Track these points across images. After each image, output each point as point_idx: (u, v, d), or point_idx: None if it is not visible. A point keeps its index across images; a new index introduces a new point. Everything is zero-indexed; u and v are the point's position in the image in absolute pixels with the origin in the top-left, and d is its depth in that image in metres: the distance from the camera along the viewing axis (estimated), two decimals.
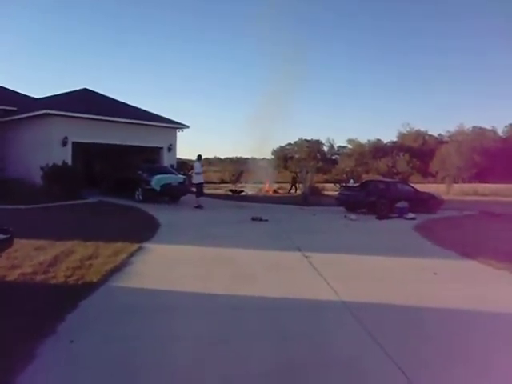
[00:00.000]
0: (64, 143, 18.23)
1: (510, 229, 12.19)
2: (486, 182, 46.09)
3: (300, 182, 24.99)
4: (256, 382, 3.46)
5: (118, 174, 19.16)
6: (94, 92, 23.56)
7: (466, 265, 7.74)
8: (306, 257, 7.94)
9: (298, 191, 25.36)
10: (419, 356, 3.93)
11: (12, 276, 5.96)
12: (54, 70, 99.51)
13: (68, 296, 5.22)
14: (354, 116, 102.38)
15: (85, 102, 20.36)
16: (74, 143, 18.63)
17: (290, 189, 28.02)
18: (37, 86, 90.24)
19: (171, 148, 22.92)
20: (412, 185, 19.40)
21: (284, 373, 3.60)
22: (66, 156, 18.11)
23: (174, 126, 23.24)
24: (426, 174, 61.45)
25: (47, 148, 18.06)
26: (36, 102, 22.98)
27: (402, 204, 15.36)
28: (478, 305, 5.39)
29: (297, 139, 74.52)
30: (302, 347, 4.11)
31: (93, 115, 19.03)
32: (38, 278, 5.94)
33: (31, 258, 7.00)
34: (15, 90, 25.11)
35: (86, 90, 23.25)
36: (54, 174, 16.91)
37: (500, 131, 68.74)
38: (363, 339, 4.27)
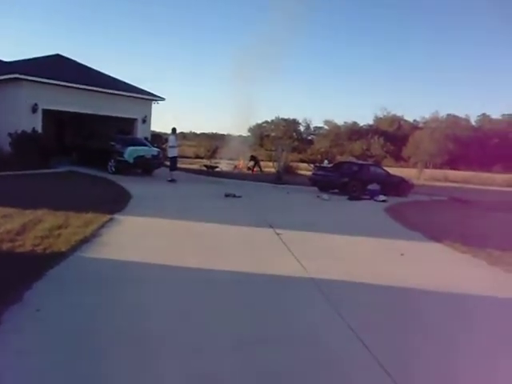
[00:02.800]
0: (34, 110, 17.58)
1: (476, 215, 12.59)
2: (457, 169, 47.25)
3: (274, 161, 24.91)
4: (225, 354, 3.51)
5: (90, 144, 18.70)
6: (67, 58, 22.61)
7: (432, 247, 7.99)
8: (278, 234, 8.03)
9: (270, 169, 25.17)
10: (378, 327, 4.09)
11: None
12: (26, 34, 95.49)
13: (35, 265, 5.14)
14: (332, 98, 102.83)
15: (57, 69, 19.63)
16: (44, 110, 17.99)
17: (251, 169, 26.34)
18: (6, 48, 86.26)
19: (146, 120, 22.50)
20: (384, 168, 19.74)
21: (251, 345, 3.66)
22: (35, 123, 17.50)
23: (149, 98, 22.75)
24: (398, 159, 62.45)
25: (16, 114, 17.39)
26: (5, 66, 22.01)
27: (373, 186, 15.63)
28: (438, 284, 5.60)
29: (274, 118, 74.37)
30: (270, 320, 4.20)
31: (65, 82, 18.36)
32: (5, 246, 5.81)
33: None
34: None
35: (59, 56, 22.33)
36: (22, 141, 16.39)
37: (473, 120, 70.28)
38: (328, 313, 4.39)
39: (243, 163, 27.50)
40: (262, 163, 28.50)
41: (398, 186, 17.30)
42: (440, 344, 3.89)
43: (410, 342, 3.92)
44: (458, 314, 4.74)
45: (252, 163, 26.69)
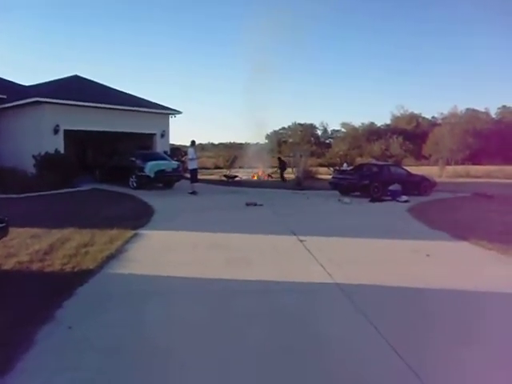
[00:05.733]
0: (56, 131, 18.08)
1: (501, 210, 12.32)
2: (478, 164, 46.36)
3: (293, 167, 24.83)
4: (254, 364, 3.53)
5: (111, 161, 19.10)
6: (85, 79, 23.29)
7: (457, 246, 7.86)
8: (301, 241, 8.02)
9: (289, 175, 25.02)
10: (410, 333, 4.03)
11: (8, 265, 5.99)
12: (44, 57, 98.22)
13: (65, 283, 5.26)
14: (348, 99, 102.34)
15: (76, 89, 20.15)
16: (65, 131, 18.48)
17: (281, 175, 25.37)
18: (27, 73, 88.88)
19: (164, 134, 22.83)
20: (405, 167, 19.51)
21: (280, 354, 3.67)
22: (58, 144, 18.00)
23: (166, 112, 23.11)
24: (419, 157, 61.63)
25: (39, 136, 17.92)
26: (26, 90, 22.68)
27: (395, 187, 15.47)
28: (465, 283, 5.52)
29: (290, 123, 74.46)
30: (297, 328, 4.19)
31: (84, 102, 18.84)
32: (35, 266, 5.97)
33: (27, 246, 7.03)
34: (4, 77, 24.72)
35: (76, 77, 23.00)
36: (46, 162, 16.85)
37: (493, 113, 68.93)
38: (356, 319, 4.37)
39: (262, 171, 27.57)
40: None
41: (419, 185, 17.08)
42: (472, 345, 3.82)
43: (439, 344, 3.86)
44: (486, 312, 4.65)
45: (278, 170, 26.18)
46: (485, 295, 5.18)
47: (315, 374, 3.34)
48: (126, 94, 23.21)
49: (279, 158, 27.20)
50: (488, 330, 4.17)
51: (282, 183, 22.35)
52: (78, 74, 23.39)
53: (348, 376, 3.33)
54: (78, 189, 16.61)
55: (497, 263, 6.70)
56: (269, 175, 26.70)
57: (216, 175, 27.28)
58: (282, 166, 25.80)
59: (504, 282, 5.70)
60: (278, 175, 25.74)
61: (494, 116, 68.72)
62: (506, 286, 5.49)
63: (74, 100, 18.54)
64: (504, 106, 68.59)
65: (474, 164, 47.32)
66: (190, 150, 16.92)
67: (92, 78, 23.64)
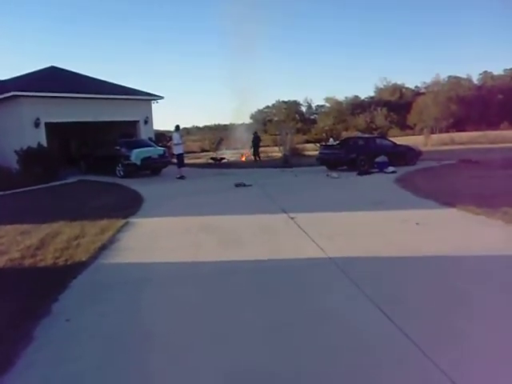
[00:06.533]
0: (36, 125, 17.74)
1: (486, 175, 12.49)
2: (463, 131, 46.74)
3: (280, 145, 24.72)
4: (251, 341, 3.58)
5: (96, 151, 18.86)
6: (62, 69, 22.70)
7: (446, 213, 7.97)
8: (292, 218, 8.07)
9: (277, 154, 24.71)
10: (401, 300, 4.12)
11: (0, 262, 5.95)
12: (17, 51, 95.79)
13: (59, 277, 5.25)
14: (330, 74, 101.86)
15: (54, 81, 19.75)
16: (47, 124, 18.14)
17: (254, 153, 24.30)
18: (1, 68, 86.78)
19: (147, 120, 22.55)
20: (390, 139, 19.62)
21: (276, 330, 3.73)
22: (40, 138, 17.66)
23: (148, 98, 22.78)
24: (404, 127, 61.95)
25: (20, 131, 17.55)
26: (2, 84, 22.16)
27: (381, 159, 15.57)
28: (456, 249, 5.64)
29: (275, 102, 74.07)
30: (293, 303, 4.24)
31: (63, 93, 18.48)
32: (27, 262, 5.94)
33: (17, 243, 6.97)
34: None
35: (53, 68, 22.44)
36: (29, 157, 16.54)
37: (475, 79, 69.20)
38: (351, 291, 4.44)
39: (249, 151, 27.51)
40: (268, 149, 28.18)
41: (405, 156, 17.21)
42: (463, 306, 3.92)
43: (433, 309, 3.95)
44: (478, 274, 4.76)
45: (251, 147, 24.90)
46: (476, 259, 5.28)
47: (316, 344, 3.41)
48: (105, 82, 22.73)
49: (254, 133, 25.87)
50: (481, 292, 4.27)
51: (270, 162, 22.17)
52: (55, 65, 22.88)
53: (345, 343, 3.40)
54: (64, 182, 16.41)
55: (485, 227, 6.82)
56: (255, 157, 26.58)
57: (203, 158, 27.19)
58: (256, 142, 24.78)
59: (493, 245, 5.81)
60: (251, 154, 24.68)
61: (476, 82, 69.02)
62: (496, 248, 5.61)
63: (52, 92, 18.15)
64: (485, 72, 68.89)
65: (458, 131, 47.69)
66: (175, 135, 16.78)
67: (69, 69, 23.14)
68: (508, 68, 67.16)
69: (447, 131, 50.30)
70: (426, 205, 8.72)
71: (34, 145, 17.09)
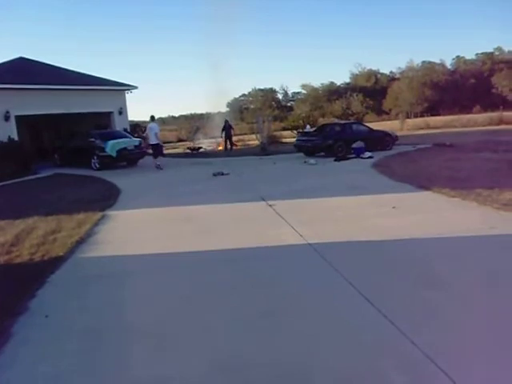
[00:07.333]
0: (6, 118, 17.24)
1: (461, 158, 12.74)
2: (437, 115, 47.51)
3: (257, 133, 24.60)
4: (233, 329, 3.60)
5: (70, 143, 18.46)
6: (31, 60, 22.01)
7: (421, 196, 8.12)
8: (270, 205, 8.09)
9: (254, 142, 24.53)
10: (378, 282, 4.20)
11: None
12: None
13: (36, 273, 5.16)
14: (306, 61, 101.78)
15: (23, 72, 19.14)
16: (17, 117, 17.65)
17: (225, 142, 23.89)
18: None
19: (122, 111, 22.19)
20: (367, 124, 19.78)
21: (259, 319, 3.76)
22: (10, 131, 17.18)
23: (121, 88, 22.39)
24: (380, 112, 62.61)
25: None
26: None
27: (358, 144, 15.71)
28: (431, 231, 5.77)
29: (251, 89, 73.80)
30: (275, 291, 4.28)
31: (34, 85, 18.00)
32: (2, 259, 5.80)
33: None
34: None
35: (21, 59, 21.69)
36: (0, 151, 16.10)
37: (448, 64, 70.17)
38: (330, 275, 4.50)
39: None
40: (245, 137, 28.00)
41: (382, 141, 17.38)
42: (441, 289, 4.02)
43: (410, 290, 4.03)
44: (454, 255, 4.88)
45: (221, 135, 24.22)
46: (449, 239, 5.41)
47: (298, 325, 3.45)
48: (77, 73, 22.17)
49: (225, 122, 24.66)
50: (455, 272, 4.38)
51: (248, 151, 22.10)
52: (23, 55, 22.19)
53: (326, 321, 3.45)
54: (38, 175, 16.04)
55: (460, 209, 6.98)
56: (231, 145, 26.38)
57: (180, 148, 26.93)
58: (227, 131, 23.93)
59: (469, 225, 5.96)
60: (223, 145, 24.18)
61: (449, 67, 70.02)
62: (469, 228, 5.75)
63: (22, 84, 17.64)
64: (458, 57, 69.92)
65: (432, 115, 48.48)
66: (153, 125, 16.50)
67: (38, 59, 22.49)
68: (480, 52, 68.37)
69: (422, 116, 51.09)
70: (402, 189, 8.85)
71: (5, 139, 16.64)
